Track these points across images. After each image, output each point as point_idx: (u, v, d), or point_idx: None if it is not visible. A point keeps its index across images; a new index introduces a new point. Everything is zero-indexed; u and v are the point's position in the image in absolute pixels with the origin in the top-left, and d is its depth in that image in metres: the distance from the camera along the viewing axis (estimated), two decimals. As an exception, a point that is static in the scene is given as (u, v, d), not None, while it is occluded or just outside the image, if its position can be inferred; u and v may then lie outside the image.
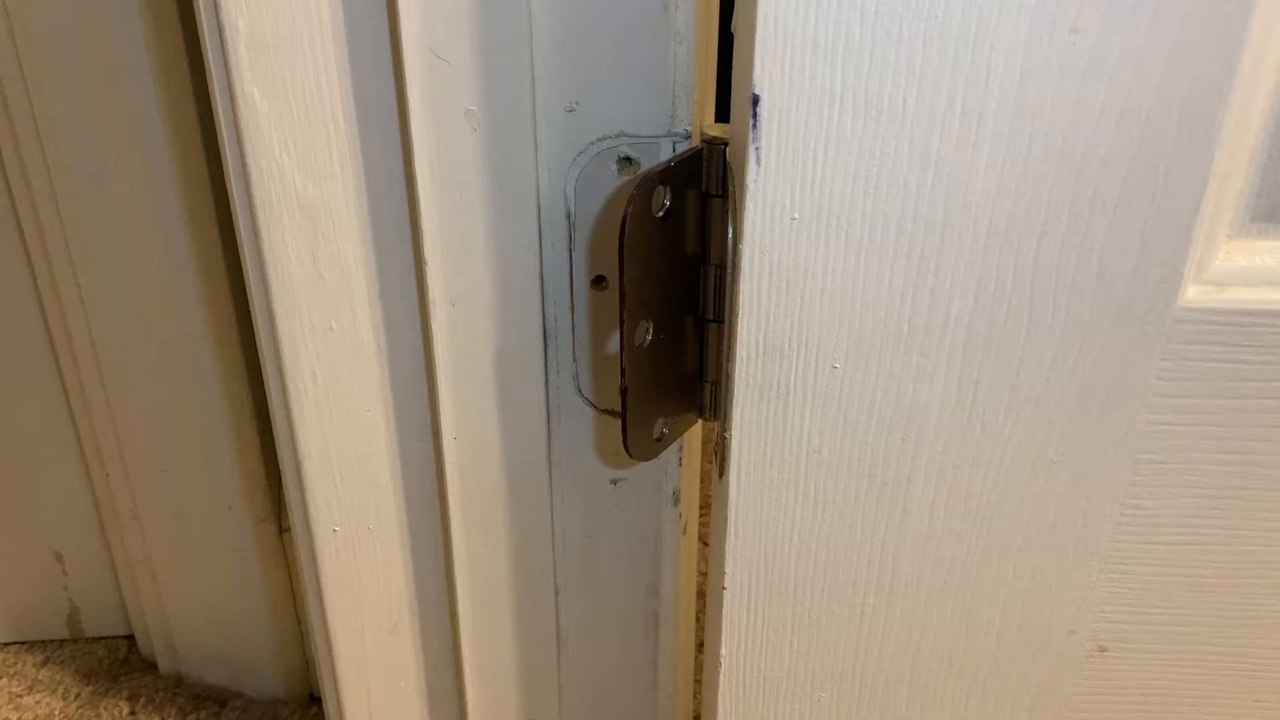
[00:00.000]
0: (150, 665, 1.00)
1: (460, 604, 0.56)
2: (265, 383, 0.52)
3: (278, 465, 0.83)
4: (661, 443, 0.47)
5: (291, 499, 0.55)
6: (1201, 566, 0.45)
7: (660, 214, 0.41)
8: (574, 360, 0.49)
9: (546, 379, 0.50)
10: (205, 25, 0.43)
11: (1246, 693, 0.49)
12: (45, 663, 1.00)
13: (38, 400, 0.87)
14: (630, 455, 0.45)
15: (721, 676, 0.49)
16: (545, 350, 0.49)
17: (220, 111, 0.44)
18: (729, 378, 0.42)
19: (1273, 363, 0.40)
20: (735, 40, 0.38)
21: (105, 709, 0.95)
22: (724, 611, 0.47)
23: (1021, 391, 0.41)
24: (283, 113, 0.44)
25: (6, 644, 1.02)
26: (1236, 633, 0.47)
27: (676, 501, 0.54)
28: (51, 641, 1.02)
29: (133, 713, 0.95)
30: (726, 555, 0.46)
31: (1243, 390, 0.41)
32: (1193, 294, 0.39)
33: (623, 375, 0.43)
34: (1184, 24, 0.34)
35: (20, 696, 0.96)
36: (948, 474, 0.43)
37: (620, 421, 0.44)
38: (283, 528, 0.90)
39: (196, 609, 0.93)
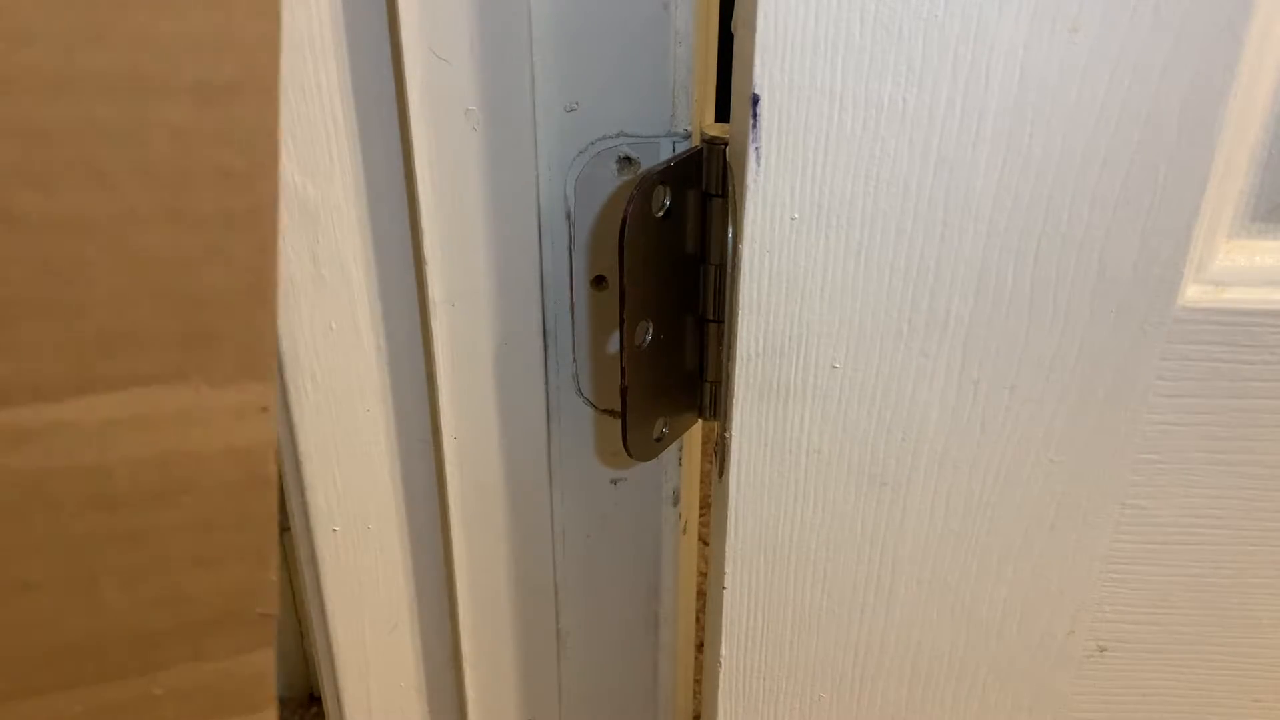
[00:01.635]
0: (150, 665, 1.00)
1: (460, 604, 0.56)
2: (265, 383, 0.52)
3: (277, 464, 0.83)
4: (661, 443, 0.47)
5: (291, 499, 0.55)
6: (1201, 566, 0.45)
7: (660, 214, 0.41)
8: (574, 360, 0.49)
9: (546, 379, 0.50)
10: (205, 25, 0.43)
11: (1246, 693, 0.49)
12: (45, 663, 1.00)
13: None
14: (630, 455, 0.45)
15: (721, 676, 0.49)
16: (545, 350, 0.49)
17: (220, 111, 0.44)
18: (729, 377, 0.42)
19: (1273, 362, 0.40)
20: (735, 40, 0.38)
21: (105, 709, 0.95)
22: (724, 611, 0.47)
23: (1021, 391, 0.41)
24: (283, 112, 0.44)
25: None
26: (1236, 633, 0.47)
27: (676, 501, 0.54)
28: (51, 642, 1.02)
29: (132, 713, 0.95)
30: (726, 555, 0.46)
31: (1243, 390, 0.41)
32: (1193, 294, 0.39)
33: (623, 375, 0.43)
34: (1184, 24, 0.34)
35: (20, 697, 0.96)
36: (948, 474, 0.43)
37: (620, 421, 0.44)
38: (283, 527, 0.90)
39: (196, 609, 0.93)
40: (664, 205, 0.41)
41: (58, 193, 0.27)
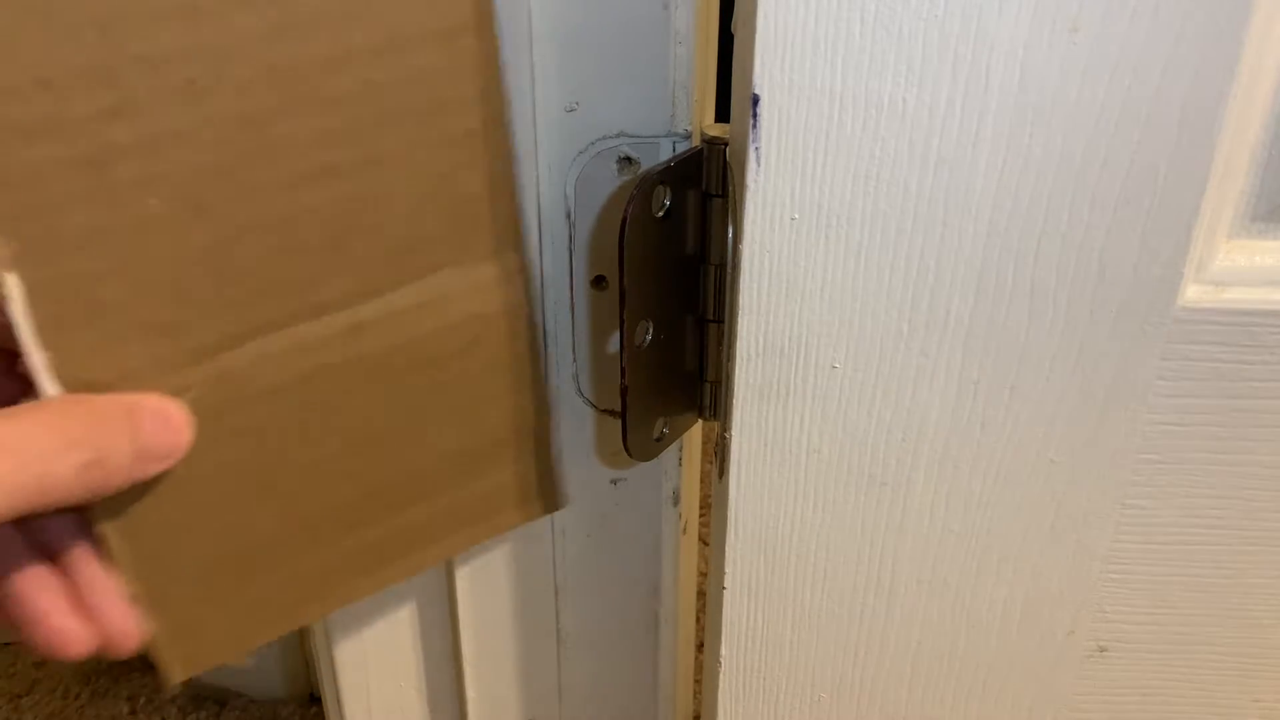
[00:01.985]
0: (150, 665, 1.00)
1: (460, 604, 0.56)
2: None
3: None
4: (661, 443, 0.47)
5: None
6: (1202, 566, 0.45)
7: (660, 214, 0.41)
8: (574, 360, 0.49)
9: (546, 379, 0.50)
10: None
11: (1246, 693, 0.49)
12: (44, 663, 1.00)
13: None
14: (630, 455, 0.45)
15: (721, 677, 0.49)
16: (545, 350, 0.49)
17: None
18: (729, 378, 0.42)
19: (1273, 363, 0.40)
20: (735, 40, 0.38)
21: (105, 709, 0.95)
22: (724, 612, 0.47)
23: (1021, 391, 0.41)
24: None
25: (5, 644, 1.02)
26: (1237, 633, 0.47)
27: (676, 501, 0.54)
28: (51, 642, 1.02)
29: (132, 712, 0.95)
30: (726, 555, 0.46)
31: (1243, 390, 0.41)
32: (1193, 294, 0.39)
33: (623, 375, 0.43)
34: (1184, 24, 0.34)
35: (20, 697, 0.96)
36: (948, 474, 0.43)
37: (620, 421, 0.44)
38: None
39: (196, 609, 0.93)
40: (664, 205, 0.41)
41: (360, 143, 0.36)
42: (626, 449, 0.45)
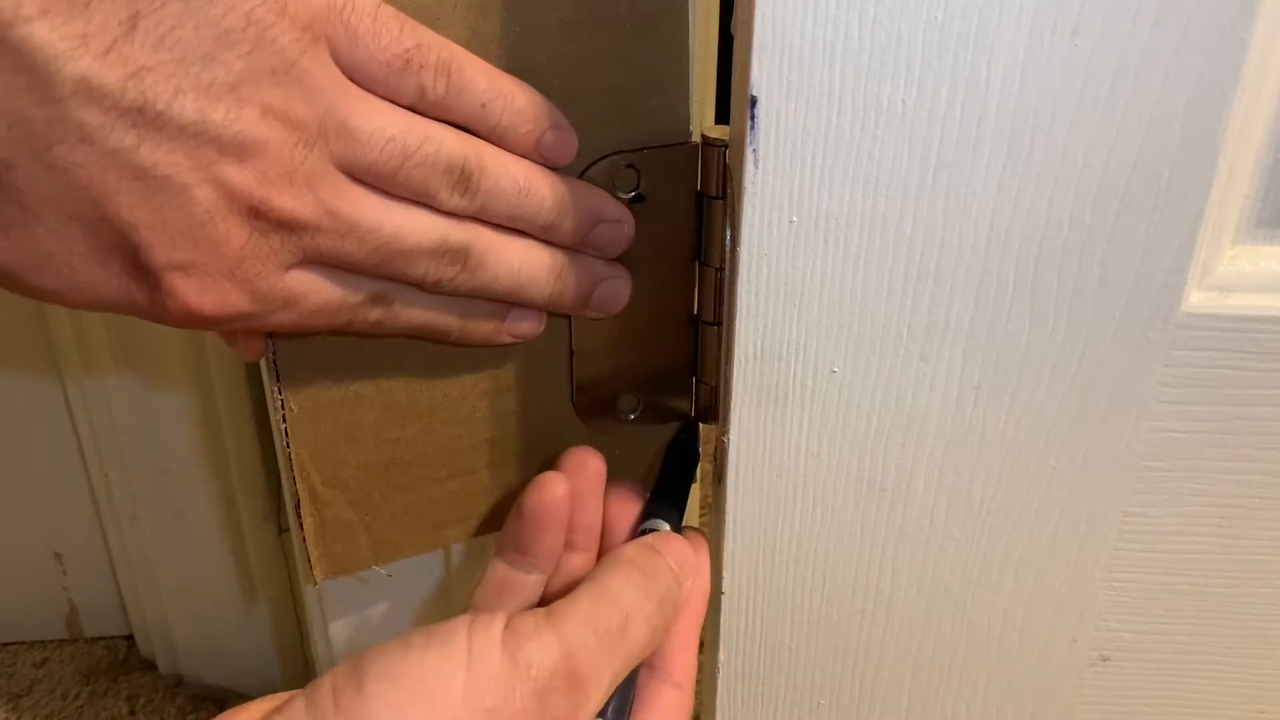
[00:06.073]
0: (150, 665, 1.00)
1: (461, 604, 0.56)
2: (265, 383, 0.51)
3: (277, 465, 0.82)
4: (625, 423, 0.48)
5: (290, 503, 0.55)
6: (1205, 575, 0.45)
7: (629, 195, 0.42)
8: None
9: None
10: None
11: (1251, 703, 0.48)
12: (44, 663, 1.00)
13: (38, 400, 0.87)
14: (576, 413, 0.46)
15: (720, 682, 0.49)
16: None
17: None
18: (727, 381, 0.42)
19: (1278, 369, 0.40)
20: (734, 41, 0.37)
21: (104, 709, 0.95)
22: (722, 617, 0.47)
23: (1023, 397, 0.41)
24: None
25: (5, 644, 1.02)
26: (1241, 642, 0.47)
27: (676, 505, 0.54)
28: (50, 641, 1.02)
29: (132, 713, 0.95)
30: (724, 560, 0.45)
31: (1247, 397, 0.40)
32: (1196, 300, 0.39)
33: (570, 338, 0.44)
34: (1187, 26, 0.33)
35: (19, 697, 0.96)
36: (948, 480, 0.43)
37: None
38: (282, 528, 0.90)
39: (196, 609, 0.93)
40: (635, 188, 0.42)
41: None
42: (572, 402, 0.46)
